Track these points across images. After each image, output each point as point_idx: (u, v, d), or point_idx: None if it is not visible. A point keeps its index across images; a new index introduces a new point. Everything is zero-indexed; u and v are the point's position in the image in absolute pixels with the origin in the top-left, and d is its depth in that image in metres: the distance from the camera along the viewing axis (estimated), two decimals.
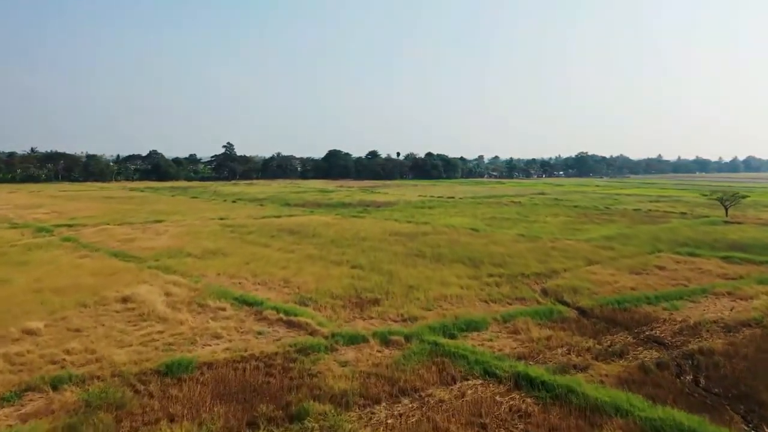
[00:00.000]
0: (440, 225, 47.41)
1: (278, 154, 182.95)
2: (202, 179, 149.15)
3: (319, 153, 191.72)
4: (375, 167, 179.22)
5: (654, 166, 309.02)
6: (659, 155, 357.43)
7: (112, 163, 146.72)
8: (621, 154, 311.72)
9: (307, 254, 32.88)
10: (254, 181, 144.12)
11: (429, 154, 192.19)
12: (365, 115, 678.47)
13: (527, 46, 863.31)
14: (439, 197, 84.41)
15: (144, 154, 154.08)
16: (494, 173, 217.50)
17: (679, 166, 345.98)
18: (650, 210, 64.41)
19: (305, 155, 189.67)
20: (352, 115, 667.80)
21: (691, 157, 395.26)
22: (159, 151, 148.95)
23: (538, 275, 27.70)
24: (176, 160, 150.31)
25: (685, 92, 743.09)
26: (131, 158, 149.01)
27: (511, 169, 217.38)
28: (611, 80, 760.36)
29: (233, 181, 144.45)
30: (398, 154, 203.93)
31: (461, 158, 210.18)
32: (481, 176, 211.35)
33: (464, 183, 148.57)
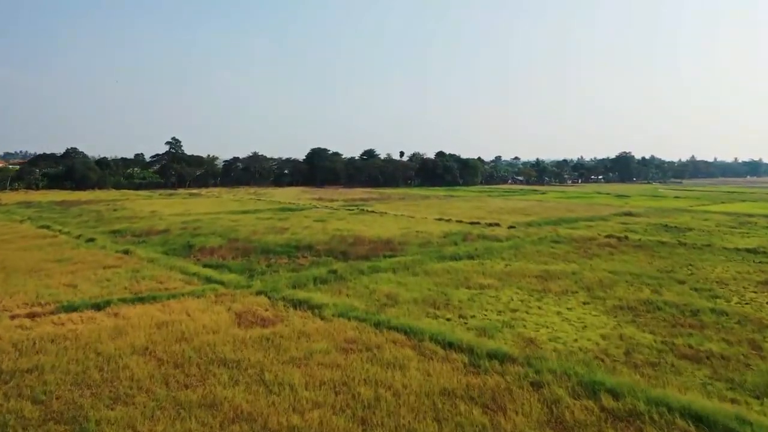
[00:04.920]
0: (553, 370, 15.11)
1: (255, 153, 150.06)
2: (138, 186, 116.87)
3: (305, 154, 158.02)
4: (372, 170, 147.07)
5: (701, 169, 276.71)
6: (692, 156, 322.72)
7: (11, 166, 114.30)
8: (653, 155, 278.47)
9: None
10: (204, 190, 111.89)
11: (440, 154, 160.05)
12: (360, 111, 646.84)
13: (538, 40, 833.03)
14: (473, 224, 52.13)
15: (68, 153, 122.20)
16: (520, 178, 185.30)
17: (727, 169, 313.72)
18: None
19: (292, 156, 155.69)
20: (347, 112, 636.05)
21: (729, 159, 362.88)
22: (80, 150, 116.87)
23: None
24: (102, 162, 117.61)
25: (707, 89, 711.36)
26: (43, 158, 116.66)
27: (541, 172, 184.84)
28: (631, 76, 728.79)
29: (176, 190, 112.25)
30: (401, 154, 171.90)
31: (479, 159, 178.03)
32: (504, 181, 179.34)
33: (492, 193, 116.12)
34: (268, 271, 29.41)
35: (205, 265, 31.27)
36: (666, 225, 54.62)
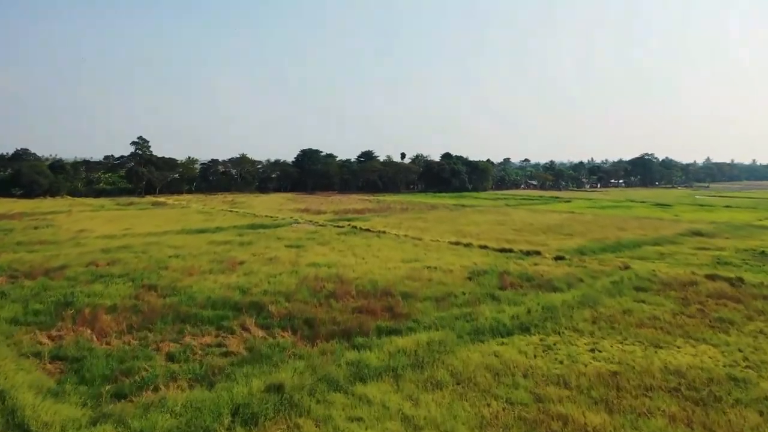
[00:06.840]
0: None
1: (242, 155, 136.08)
2: (99, 193, 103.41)
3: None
4: (370, 175, 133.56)
5: (725, 172, 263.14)
6: (708, 158, 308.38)
7: None
8: (667, 157, 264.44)
9: None
10: (172, 198, 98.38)
11: (447, 156, 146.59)
12: (358, 110, 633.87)
13: (539, 39, 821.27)
14: (504, 252, 38.70)
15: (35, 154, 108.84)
16: (533, 182, 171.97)
17: (750, 172, 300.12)
18: None
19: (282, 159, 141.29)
20: (344, 111, 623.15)
21: (745, 161, 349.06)
22: (32, 151, 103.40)
23: None
24: (57, 165, 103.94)
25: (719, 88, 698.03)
26: None
27: (558, 176, 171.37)
28: (634, 76, 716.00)
29: (142, 197, 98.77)
30: (403, 156, 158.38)
31: (488, 161, 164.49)
32: (517, 186, 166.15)
33: (509, 200, 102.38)
34: (154, 381, 15.80)
35: (54, 357, 17.78)
36: (764, 252, 41.20)
